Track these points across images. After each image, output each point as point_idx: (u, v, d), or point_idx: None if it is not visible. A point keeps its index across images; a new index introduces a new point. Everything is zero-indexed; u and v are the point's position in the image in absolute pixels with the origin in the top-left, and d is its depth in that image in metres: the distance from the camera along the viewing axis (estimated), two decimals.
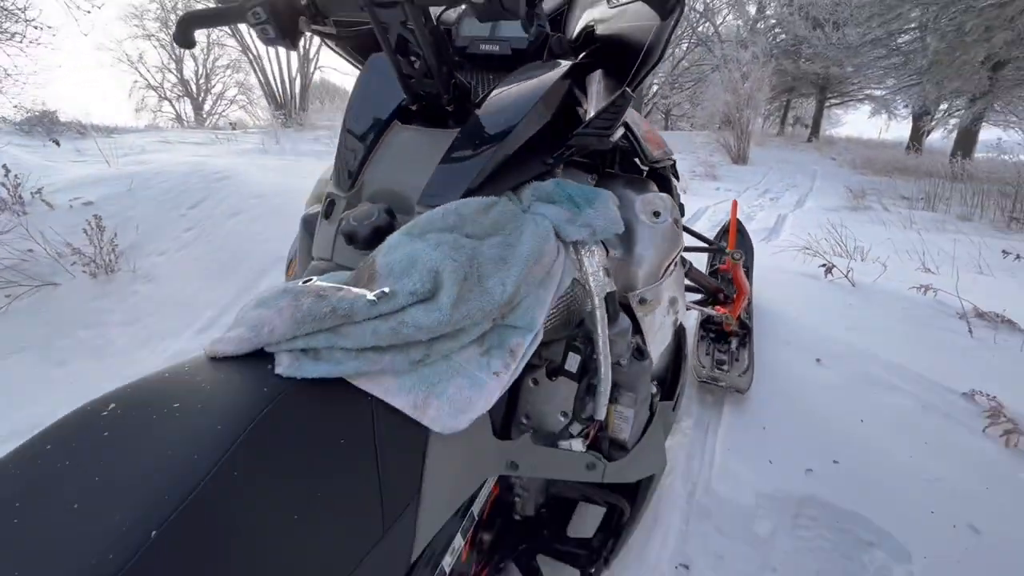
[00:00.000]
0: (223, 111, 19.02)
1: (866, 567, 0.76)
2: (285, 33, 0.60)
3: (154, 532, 0.30)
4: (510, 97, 0.60)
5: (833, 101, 18.29)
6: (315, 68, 14.02)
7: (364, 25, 0.68)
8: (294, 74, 13.24)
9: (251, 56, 13.00)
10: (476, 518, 0.59)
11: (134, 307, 1.95)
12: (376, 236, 0.55)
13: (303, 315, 0.46)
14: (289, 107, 12.76)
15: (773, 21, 18.41)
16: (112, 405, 0.40)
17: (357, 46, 0.81)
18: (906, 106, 13.95)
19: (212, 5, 0.66)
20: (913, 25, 9.53)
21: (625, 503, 0.71)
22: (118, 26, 22.03)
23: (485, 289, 0.50)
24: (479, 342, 0.52)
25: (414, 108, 0.64)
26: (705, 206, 5.03)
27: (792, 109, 21.51)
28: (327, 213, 0.63)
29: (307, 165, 5.81)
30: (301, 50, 13.25)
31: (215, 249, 2.14)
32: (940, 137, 13.95)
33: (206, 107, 18.43)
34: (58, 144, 4.54)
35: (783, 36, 17.21)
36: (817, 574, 0.75)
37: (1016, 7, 5.50)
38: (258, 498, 0.36)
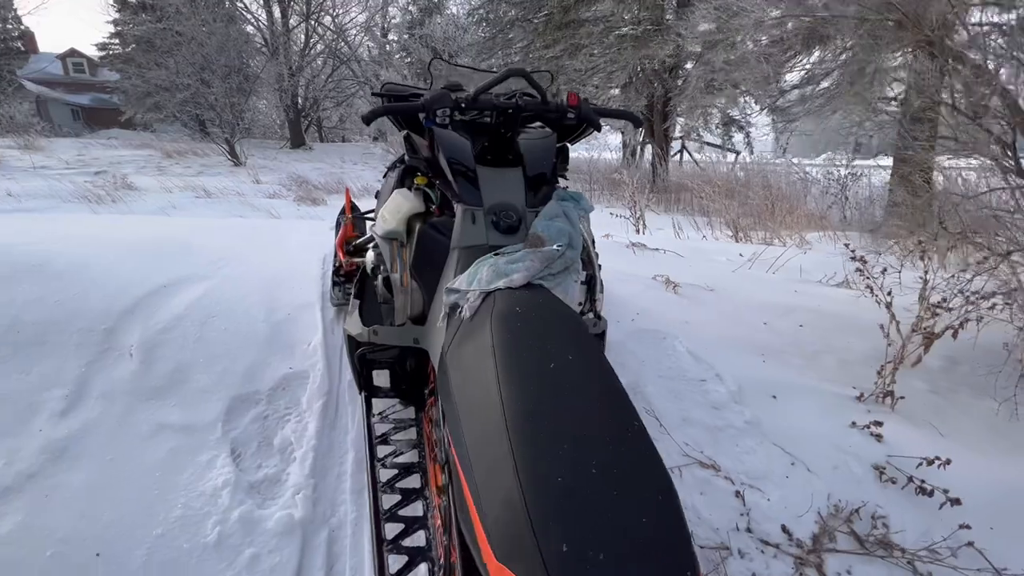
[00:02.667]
0: None
1: (659, 338, 1.73)
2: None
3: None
4: (537, 150, 1.19)
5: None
6: None
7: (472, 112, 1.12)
8: None
9: None
10: None
11: None
12: (517, 225, 1.07)
13: (539, 261, 0.99)
14: None
15: (397, 45, 20.92)
16: (517, 309, 0.86)
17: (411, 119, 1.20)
18: None
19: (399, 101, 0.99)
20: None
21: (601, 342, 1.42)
22: None
23: (577, 241, 1.12)
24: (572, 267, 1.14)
25: (489, 157, 1.15)
26: None
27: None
28: (472, 220, 1.08)
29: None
30: None
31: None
32: None
33: None
34: None
35: (409, 59, 19.85)
36: (644, 347, 1.68)
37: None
38: (571, 327, 0.91)
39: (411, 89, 1.26)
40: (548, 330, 0.82)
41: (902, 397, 1.65)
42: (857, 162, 8.46)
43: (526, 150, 1.18)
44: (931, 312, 1.53)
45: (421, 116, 1.09)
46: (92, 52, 20.38)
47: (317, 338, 1.61)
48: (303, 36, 15.42)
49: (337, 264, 1.85)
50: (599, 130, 1.23)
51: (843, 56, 5.07)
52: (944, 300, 1.53)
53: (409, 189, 1.24)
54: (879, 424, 1.46)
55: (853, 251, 1.74)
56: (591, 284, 1.31)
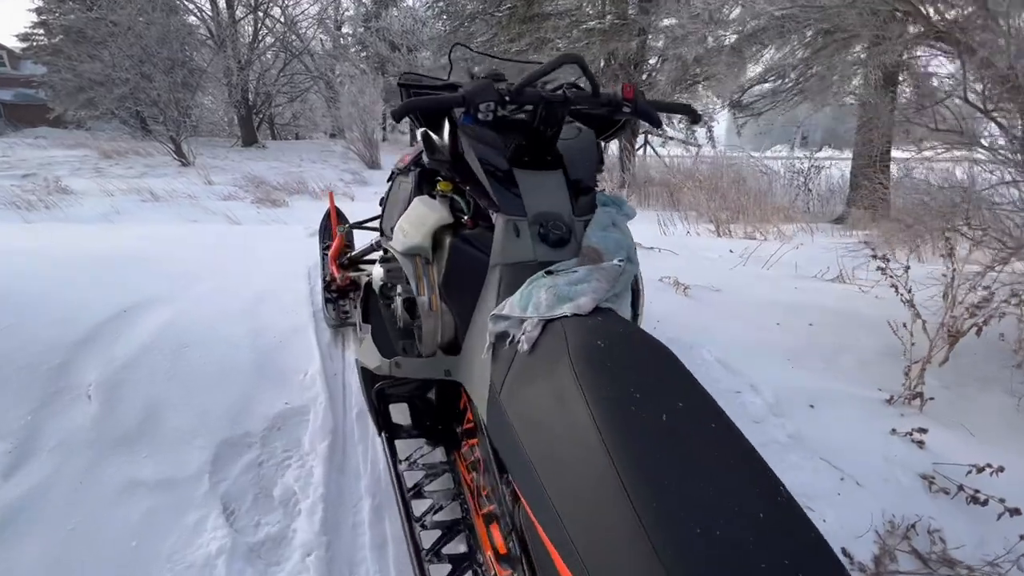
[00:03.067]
0: None
1: (685, 348, 1.63)
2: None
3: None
4: (577, 150, 1.05)
5: None
6: None
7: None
8: None
9: None
10: None
11: None
12: (568, 237, 0.93)
13: (606, 280, 0.85)
14: None
15: (352, 39, 20.23)
16: (599, 343, 0.71)
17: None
18: None
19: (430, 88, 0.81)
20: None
21: None
22: None
23: (635, 254, 0.99)
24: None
25: (525, 159, 0.99)
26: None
27: (387, 118, 24.57)
28: (516, 232, 0.92)
29: None
30: None
31: None
32: None
33: None
34: None
35: (365, 53, 19.23)
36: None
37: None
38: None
39: (431, 79, 1.09)
40: (646, 371, 0.68)
41: (931, 398, 1.61)
42: (802, 154, 8.78)
43: (565, 150, 1.03)
44: (970, 312, 1.49)
45: (458, 111, 0.92)
46: (13, 43, 18.67)
47: (314, 366, 1.41)
48: (251, 28, 14.60)
49: (328, 279, 1.65)
50: (658, 126, 1.09)
51: (803, 52, 5.18)
52: (985, 299, 1.49)
53: (432, 196, 1.06)
54: (922, 431, 1.41)
55: (874, 250, 1.69)
56: (635, 297, 1.18)
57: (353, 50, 19.66)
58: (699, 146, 12.66)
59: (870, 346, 1.99)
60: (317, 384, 1.36)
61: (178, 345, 1.43)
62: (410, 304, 1.07)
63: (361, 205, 6.33)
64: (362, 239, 1.95)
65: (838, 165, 8.29)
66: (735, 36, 5.34)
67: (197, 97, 12.47)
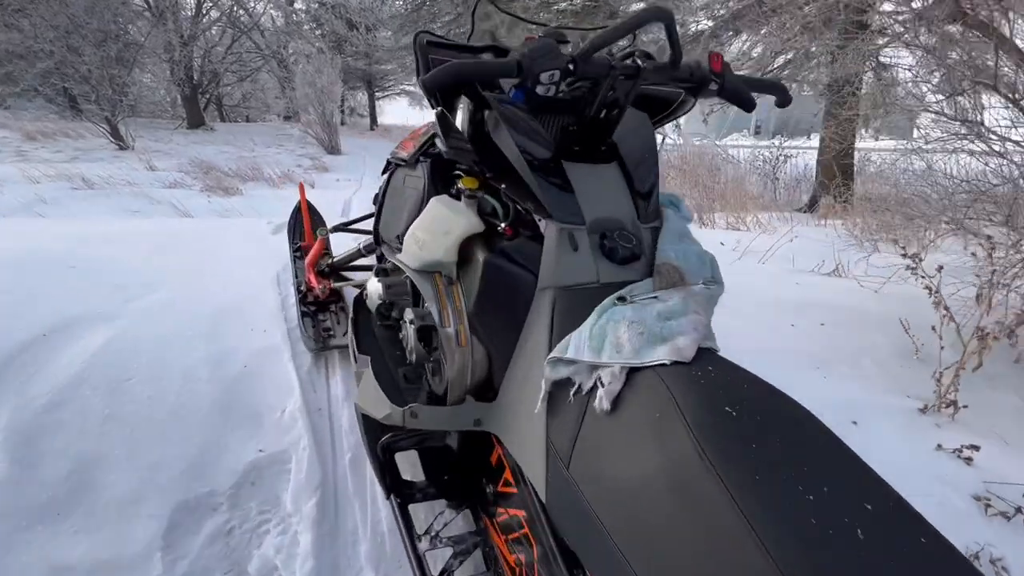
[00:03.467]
0: None
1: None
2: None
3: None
4: (636, 138, 0.84)
5: (379, 94, 21.04)
6: None
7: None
8: None
9: None
10: None
11: None
12: (639, 252, 0.73)
13: (705, 311, 0.66)
14: None
15: (306, 15, 19.13)
16: (726, 407, 0.52)
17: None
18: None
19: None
20: None
21: None
22: None
23: (719, 271, 0.80)
24: None
25: (576, 149, 0.78)
26: (346, 198, 5.39)
27: (346, 100, 23.52)
28: (573, 245, 0.71)
29: None
30: None
31: None
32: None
33: None
34: None
35: (320, 31, 18.24)
36: None
37: None
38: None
39: (453, 43, 0.86)
40: (805, 452, 0.50)
41: (965, 406, 1.52)
42: (761, 144, 8.90)
43: (621, 138, 0.83)
44: (1022, 318, 1.40)
45: (510, 84, 0.70)
46: None
47: (294, 401, 1.16)
48: (193, 0, 13.49)
49: (304, 288, 1.39)
50: (751, 109, 0.89)
51: (781, 40, 5.14)
52: None
53: (456, 197, 0.83)
54: (974, 448, 1.31)
55: (903, 248, 1.58)
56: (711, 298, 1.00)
57: (307, 27, 18.60)
58: (664, 135, 12.72)
59: (884, 347, 1.90)
60: (298, 424, 1.11)
61: (117, 378, 1.15)
62: (425, 333, 0.85)
63: (322, 193, 5.92)
64: (341, 240, 1.69)
65: (802, 154, 8.42)
66: (710, 22, 5.24)
67: (135, 74, 11.44)
